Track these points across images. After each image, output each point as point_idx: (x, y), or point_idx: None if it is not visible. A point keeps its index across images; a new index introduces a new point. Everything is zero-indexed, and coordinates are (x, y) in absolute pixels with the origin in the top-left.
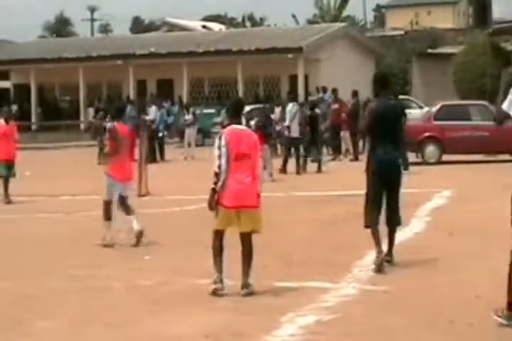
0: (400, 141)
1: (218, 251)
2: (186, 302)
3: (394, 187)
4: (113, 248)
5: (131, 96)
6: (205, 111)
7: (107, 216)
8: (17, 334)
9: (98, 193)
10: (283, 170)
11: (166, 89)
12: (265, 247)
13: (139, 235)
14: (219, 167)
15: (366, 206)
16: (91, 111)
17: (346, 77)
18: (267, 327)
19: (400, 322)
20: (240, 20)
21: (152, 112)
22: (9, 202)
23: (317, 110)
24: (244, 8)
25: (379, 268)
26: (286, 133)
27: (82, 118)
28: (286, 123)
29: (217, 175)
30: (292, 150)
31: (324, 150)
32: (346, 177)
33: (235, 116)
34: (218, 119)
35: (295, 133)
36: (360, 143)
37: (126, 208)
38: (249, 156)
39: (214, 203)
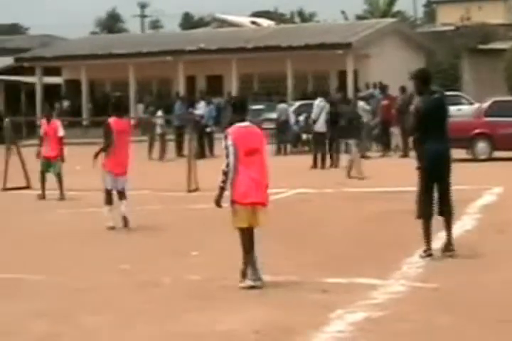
0: (448, 135)
1: (248, 247)
2: (234, 298)
3: (446, 179)
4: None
5: (181, 93)
6: (254, 107)
7: (107, 201)
8: (66, 328)
9: (148, 188)
10: (314, 165)
11: (215, 85)
12: (314, 243)
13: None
14: (227, 165)
15: (419, 198)
16: (141, 107)
17: (396, 72)
18: (315, 323)
19: (449, 320)
20: (289, 16)
21: (201, 108)
22: (62, 198)
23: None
24: (293, 3)
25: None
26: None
27: (131, 114)
28: (313, 117)
29: (225, 173)
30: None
31: (374, 146)
32: (396, 173)
33: (239, 113)
34: (268, 115)
35: (321, 128)
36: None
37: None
38: (258, 151)
39: (221, 201)
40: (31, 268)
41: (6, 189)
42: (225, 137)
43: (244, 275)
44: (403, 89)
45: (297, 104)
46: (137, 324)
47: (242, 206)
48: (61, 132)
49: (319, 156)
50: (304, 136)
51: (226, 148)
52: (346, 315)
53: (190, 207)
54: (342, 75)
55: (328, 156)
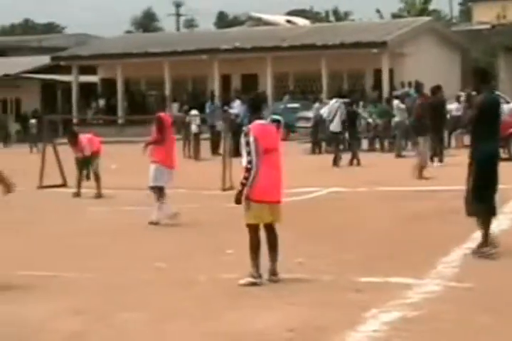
0: (499, 134)
1: (256, 245)
2: (270, 296)
3: (496, 178)
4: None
5: (216, 91)
6: (289, 105)
7: (159, 197)
8: (100, 325)
9: (183, 186)
10: (335, 163)
11: (250, 84)
12: (349, 242)
13: (153, 223)
14: (249, 162)
15: (468, 196)
16: (176, 105)
17: (431, 71)
18: (350, 322)
19: (485, 321)
20: (324, 14)
21: (236, 106)
22: (99, 196)
23: (357, 107)
24: (328, 2)
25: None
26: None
27: (167, 112)
28: (329, 117)
29: (247, 171)
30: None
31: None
32: (432, 172)
33: (256, 111)
34: (302, 114)
35: (336, 128)
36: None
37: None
38: (275, 149)
39: (242, 198)
40: (66, 266)
41: (42, 187)
42: (246, 134)
43: (274, 272)
44: (438, 88)
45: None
46: (172, 322)
47: (258, 203)
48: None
49: (334, 154)
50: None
51: (247, 145)
52: (381, 314)
53: (224, 206)
54: (377, 74)
55: (344, 155)
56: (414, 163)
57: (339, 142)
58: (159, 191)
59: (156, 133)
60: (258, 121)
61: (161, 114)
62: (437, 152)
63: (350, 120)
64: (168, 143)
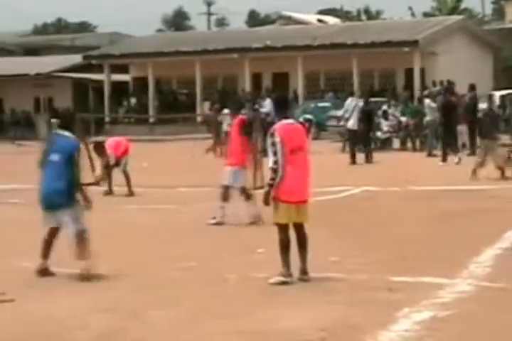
0: None
1: (286, 244)
2: (301, 296)
3: None
4: (222, 225)
5: (247, 90)
6: (320, 104)
7: (224, 198)
8: (132, 323)
9: (215, 185)
10: (352, 161)
11: (281, 83)
12: (381, 241)
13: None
14: (275, 163)
15: None
16: (207, 104)
17: (463, 70)
18: (382, 321)
19: None
20: (355, 13)
21: (267, 105)
22: (131, 194)
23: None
24: (360, 1)
25: None
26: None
27: (198, 111)
28: (346, 116)
29: (274, 171)
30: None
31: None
32: (463, 172)
33: (282, 111)
34: (334, 113)
35: (354, 126)
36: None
37: (223, 193)
38: (301, 149)
39: (270, 198)
40: (97, 264)
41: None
42: (272, 134)
43: (304, 271)
44: (472, 87)
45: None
46: (203, 320)
47: (285, 203)
48: None
49: (354, 152)
50: (371, 134)
51: (273, 145)
52: (413, 313)
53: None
54: (409, 73)
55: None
56: (474, 163)
57: (356, 140)
58: (226, 191)
59: (238, 135)
60: (284, 121)
61: (242, 117)
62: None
63: (366, 118)
64: (245, 144)
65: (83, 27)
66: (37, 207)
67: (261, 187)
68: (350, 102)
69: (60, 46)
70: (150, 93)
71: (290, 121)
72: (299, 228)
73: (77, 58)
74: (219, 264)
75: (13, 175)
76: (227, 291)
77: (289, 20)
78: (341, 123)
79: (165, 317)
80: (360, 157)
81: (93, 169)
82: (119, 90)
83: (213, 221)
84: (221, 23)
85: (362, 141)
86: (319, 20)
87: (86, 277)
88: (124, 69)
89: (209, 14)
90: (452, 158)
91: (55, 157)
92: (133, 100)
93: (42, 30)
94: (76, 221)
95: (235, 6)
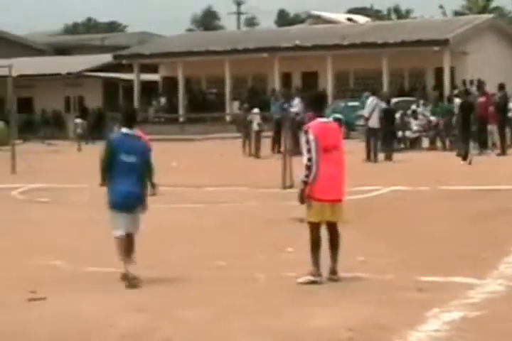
0: None
1: (317, 243)
2: (329, 295)
3: None
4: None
5: (276, 89)
6: (350, 103)
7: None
8: (162, 322)
9: (244, 184)
10: (368, 158)
11: (310, 82)
12: (410, 241)
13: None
14: (309, 160)
15: None
16: (236, 103)
17: (493, 69)
18: (411, 321)
19: None
20: (385, 12)
21: (296, 105)
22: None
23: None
24: (390, 0)
25: None
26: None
27: (227, 110)
28: (366, 115)
29: (308, 168)
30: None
31: (471, 143)
32: (493, 171)
33: (318, 109)
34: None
35: (375, 124)
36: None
37: None
38: (336, 148)
39: (305, 196)
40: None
41: (103, 184)
42: (306, 132)
43: (334, 271)
44: (502, 87)
45: (393, 101)
46: (232, 319)
47: (319, 202)
48: None
49: (373, 150)
50: (400, 134)
51: (307, 143)
52: (442, 314)
53: (285, 204)
54: (439, 72)
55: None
56: None
57: (377, 138)
58: None
59: None
60: (319, 119)
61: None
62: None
63: (387, 117)
64: None
65: (113, 27)
66: (66, 205)
67: (290, 187)
68: (371, 101)
69: (90, 46)
70: (180, 92)
71: (325, 119)
72: (333, 227)
73: (107, 58)
74: (248, 263)
75: (43, 174)
76: (257, 291)
77: (319, 19)
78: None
79: (194, 316)
80: (380, 156)
81: None
82: (149, 90)
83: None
84: (251, 22)
85: (382, 139)
86: (349, 20)
87: (130, 281)
88: (153, 68)
89: (239, 14)
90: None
91: (130, 158)
92: (162, 99)
93: (72, 29)
94: (137, 225)
95: (264, 5)
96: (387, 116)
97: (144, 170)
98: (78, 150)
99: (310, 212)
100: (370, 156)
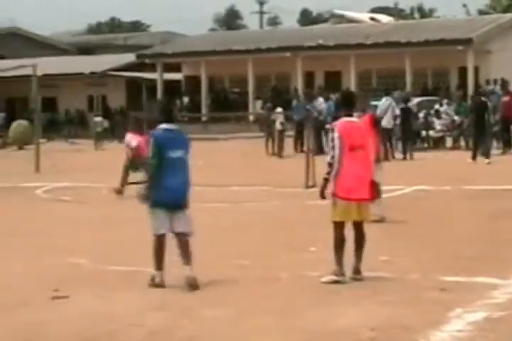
0: None
1: (341, 243)
2: (352, 295)
3: None
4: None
5: (299, 89)
6: (373, 103)
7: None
8: (185, 320)
9: (266, 184)
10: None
11: (333, 82)
12: (434, 241)
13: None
14: (332, 157)
15: None
16: (259, 103)
17: None
18: (434, 321)
19: None
20: (408, 11)
21: (319, 104)
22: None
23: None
24: None
25: None
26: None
27: (250, 109)
28: (379, 115)
29: (330, 165)
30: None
31: (495, 143)
32: None
33: (346, 108)
34: None
35: (388, 124)
36: None
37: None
38: (362, 147)
39: (325, 192)
40: (150, 261)
41: (130, 183)
42: (332, 130)
43: (358, 270)
44: None
45: (416, 100)
46: (255, 318)
47: (344, 201)
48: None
49: (387, 149)
50: (424, 133)
51: (332, 140)
52: (465, 314)
53: (307, 203)
54: (462, 72)
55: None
56: None
57: (391, 137)
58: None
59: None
60: (346, 118)
61: (370, 114)
62: None
63: (404, 117)
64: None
65: (136, 26)
66: (89, 204)
67: (313, 186)
68: (384, 101)
69: (113, 45)
70: (203, 91)
71: (352, 118)
72: (359, 226)
73: (130, 57)
74: (271, 263)
75: (66, 172)
76: (279, 290)
77: (342, 18)
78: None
79: (217, 315)
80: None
81: None
82: (172, 89)
83: (373, 217)
84: (273, 21)
85: (401, 139)
86: (372, 19)
87: (193, 284)
88: (176, 68)
89: (261, 13)
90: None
91: (179, 154)
92: (185, 99)
93: (96, 29)
94: (189, 223)
95: (287, 4)
96: (404, 115)
97: (188, 166)
98: (96, 149)
99: (335, 211)
100: (388, 156)
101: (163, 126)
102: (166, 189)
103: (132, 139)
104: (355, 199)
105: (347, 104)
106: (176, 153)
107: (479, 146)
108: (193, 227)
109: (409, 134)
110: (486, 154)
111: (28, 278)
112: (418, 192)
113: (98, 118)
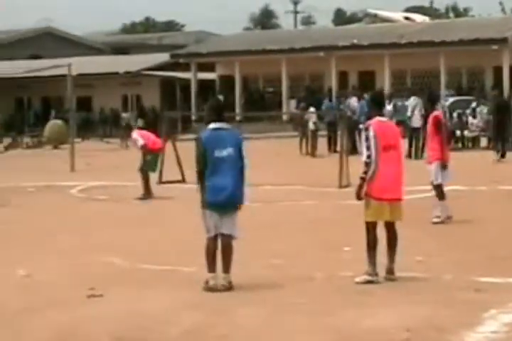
0: None
1: (374, 243)
2: (387, 295)
3: None
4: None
5: (333, 88)
6: (406, 103)
7: (442, 196)
8: (219, 319)
9: (300, 183)
10: (409, 155)
11: (367, 81)
12: (469, 241)
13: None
14: (369, 157)
15: None
16: (293, 102)
17: None
18: (468, 322)
19: None
20: (443, 10)
21: (352, 104)
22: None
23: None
24: None
25: None
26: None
27: (284, 109)
28: (408, 114)
29: (367, 165)
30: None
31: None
32: None
33: (377, 107)
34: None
35: (416, 124)
36: None
37: (439, 193)
38: (394, 147)
39: (362, 192)
40: (186, 261)
41: (162, 182)
42: (366, 129)
43: (391, 271)
44: None
45: (451, 100)
46: (288, 318)
47: (377, 201)
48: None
49: (414, 148)
50: (458, 133)
51: (367, 140)
52: (500, 315)
53: (341, 203)
54: (497, 71)
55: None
56: None
57: (418, 136)
58: (440, 189)
59: (436, 132)
60: (378, 118)
61: (437, 113)
62: None
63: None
64: (443, 140)
65: (170, 26)
66: (123, 203)
67: (346, 186)
68: (412, 101)
69: (147, 45)
70: (237, 91)
71: (384, 118)
72: (391, 227)
73: (164, 57)
74: (305, 262)
75: (101, 172)
76: (313, 289)
77: (376, 18)
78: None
79: (251, 314)
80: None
81: (180, 167)
82: (206, 88)
83: (437, 219)
84: (307, 21)
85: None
86: (406, 18)
87: (229, 287)
88: (210, 67)
89: (295, 13)
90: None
91: (226, 152)
92: (220, 97)
93: (130, 29)
94: (235, 225)
95: (321, 4)
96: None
97: (240, 165)
98: (121, 146)
99: (368, 211)
100: (411, 154)
101: (212, 125)
102: (213, 189)
103: (138, 137)
104: (388, 199)
105: (377, 105)
106: (222, 153)
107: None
108: (237, 231)
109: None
110: (503, 153)
111: (64, 277)
112: (453, 192)
113: (125, 114)
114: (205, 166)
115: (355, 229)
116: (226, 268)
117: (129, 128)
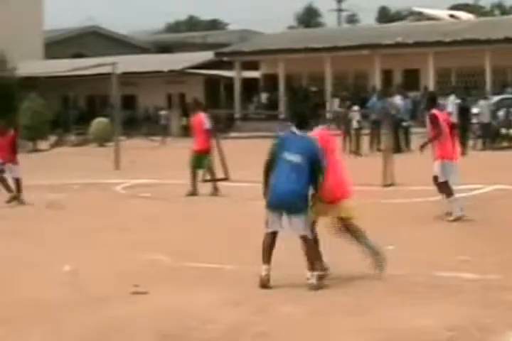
0: None
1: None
2: (431, 295)
3: None
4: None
5: (377, 87)
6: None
7: (449, 192)
8: (261, 317)
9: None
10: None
11: (411, 79)
12: (502, 242)
13: (456, 219)
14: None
15: None
16: (337, 101)
17: None
18: None
19: None
20: (488, 8)
21: (397, 102)
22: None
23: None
24: None
25: None
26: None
27: (328, 107)
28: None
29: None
30: None
31: None
32: None
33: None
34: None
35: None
36: None
37: (446, 190)
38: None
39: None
40: (227, 258)
41: (205, 181)
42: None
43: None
44: None
45: (496, 98)
46: (330, 316)
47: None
48: (207, 124)
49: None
50: (503, 131)
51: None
52: None
53: (385, 202)
54: None
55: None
56: None
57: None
58: (446, 186)
59: (432, 129)
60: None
61: (435, 111)
62: None
63: (462, 114)
64: (445, 137)
65: (214, 25)
66: (168, 201)
67: (390, 185)
68: (448, 99)
69: (191, 43)
70: (280, 89)
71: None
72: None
73: (208, 55)
74: (346, 260)
75: (145, 169)
76: (355, 288)
77: (420, 16)
78: (474, 120)
79: (292, 312)
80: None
81: (224, 165)
82: (250, 87)
83: (452, 217)
84: (351, 19)
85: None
86: (451, 16)
87: (316, 287)
88: (254, 66)
89: (339, 11)
90: None
91: (295, 158)
92: (264, 95)
93: (174, 28)
94: (305, 227)
95: (365, 2)
96: (461, 112)
97: (309, 171)
98: (160, 144)
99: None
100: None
101: (293, 129)
102: (273, 189)
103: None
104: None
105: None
106: (291, 156)
107: None
108: (306, 231)
109: (465, 131)
110: None
111: (109, 273)
112: (498, 191)
113: (163, 112)
114: (271, 164)
115: (399, 228)
116: (308, 266)
117: (165, 127)
